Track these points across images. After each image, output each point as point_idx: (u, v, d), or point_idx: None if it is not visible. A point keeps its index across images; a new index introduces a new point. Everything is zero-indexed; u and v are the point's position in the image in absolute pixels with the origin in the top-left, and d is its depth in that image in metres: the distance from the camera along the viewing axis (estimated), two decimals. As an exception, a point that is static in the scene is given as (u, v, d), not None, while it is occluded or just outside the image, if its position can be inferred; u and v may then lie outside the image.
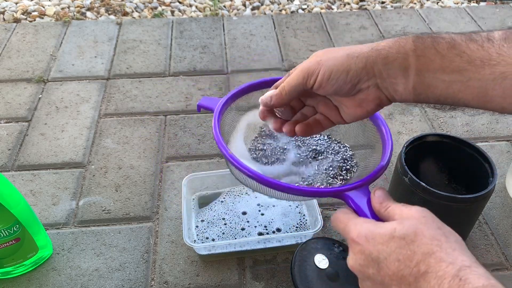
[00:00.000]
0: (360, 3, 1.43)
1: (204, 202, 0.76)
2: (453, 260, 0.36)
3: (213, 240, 0.70)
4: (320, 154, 0.66)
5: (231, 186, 0.77)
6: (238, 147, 0.62)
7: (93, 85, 1.02)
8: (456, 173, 0.71)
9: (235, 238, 0.70)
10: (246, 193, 0.77)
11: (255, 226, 0.72)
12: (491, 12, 1.29)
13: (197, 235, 0.71)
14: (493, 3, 1.39)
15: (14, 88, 1.01)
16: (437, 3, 1.47)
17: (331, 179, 0.63)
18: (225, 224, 0.72)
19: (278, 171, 0.63)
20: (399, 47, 0.44)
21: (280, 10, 1.43)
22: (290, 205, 0.75)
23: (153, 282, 0.67)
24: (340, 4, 1.45)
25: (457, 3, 1.45)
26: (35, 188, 0.80)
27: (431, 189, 0.61)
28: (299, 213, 0.74)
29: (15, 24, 1.22)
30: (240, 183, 0.59)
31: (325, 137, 0.68)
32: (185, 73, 1.07)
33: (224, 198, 0.76)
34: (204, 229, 0.71)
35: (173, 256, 0.70)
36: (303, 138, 0.67)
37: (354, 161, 0.65)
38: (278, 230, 0.72)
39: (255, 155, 0.65)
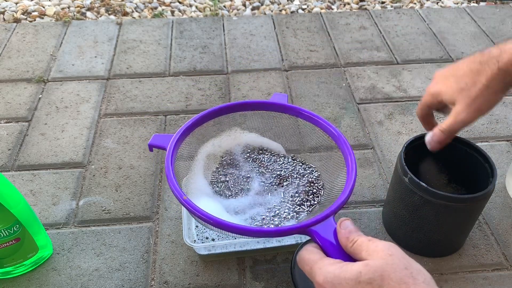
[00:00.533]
0: (360, 3, 1.43)
1: (204, 202, 0.76)
2: None
3: (213, 240, 0.70)
4: (285, 180, 0.64)
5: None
6: (198, 182, 0.60)
7: (93, 85, 1.02)
8: (456, 173, 0.71)
9: (235, 238, 0.70)
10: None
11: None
12: (491, 12, 1.29)
13: (197, 235, 0.71)
14: (493, 3, 1.39)
15: (14, 88, 1.01)
16: (437, 3, 1.47)
17: (298, 207, 0.61)
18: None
19: (243, 204, 0.62)
20: None
21: (280, 10, 1.43)
22: (290, 205, 0.75)
23: (153, 282, 0.67)
24: (340, 4, 1.45)
25: (457, 3, 1.45)
26: (35, 188, 0.80)
27: (431, 189, 0.61)
28: (299, 213, 0.74)
29: (15, 24, 1.22)
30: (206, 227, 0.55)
31: (289, 159, 0.66)
32: (185, 73, 1.07)
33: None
34: (204, 228, 0.71)
35: (173, 256, 0.70)
36: (266, 164, 0.66)
37: (321, 183, 0.63)
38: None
39: (217, 188, 0.63)
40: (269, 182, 0.64)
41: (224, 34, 1.20)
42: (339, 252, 0.45)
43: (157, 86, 1.02)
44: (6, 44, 1.14)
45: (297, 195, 0.62)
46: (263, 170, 0.65)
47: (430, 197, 0.61)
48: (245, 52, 1.13)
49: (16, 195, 0.61)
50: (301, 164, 0.66)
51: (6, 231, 0.61)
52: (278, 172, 0.65)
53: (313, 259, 0.44)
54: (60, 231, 0.73)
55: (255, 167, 0.65)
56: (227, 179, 0.64)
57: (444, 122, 0.59)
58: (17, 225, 0.61)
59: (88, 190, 0.79)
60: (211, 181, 0.64)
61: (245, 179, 0.64)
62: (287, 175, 0.65)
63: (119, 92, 1.01)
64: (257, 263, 0.69)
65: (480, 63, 0.54)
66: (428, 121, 0.65)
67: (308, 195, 0.62)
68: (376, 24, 1.24)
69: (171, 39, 1.17)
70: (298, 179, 0.64)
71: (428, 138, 0.63)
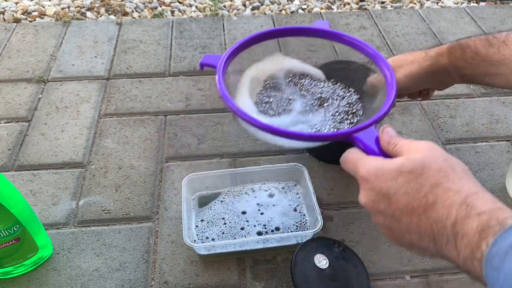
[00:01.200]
0: (360, 3, 1.43)
1: (204, 202, 0.76)
2: (460, 189, 0.38)
3: (213, 239, 0.70)
4: (325, 101, 0.67)
5: (231, 186, 0.78)
6: (244, 102, 0.63)
7: (93, 85, 1.02)
8: None
9: (235, 238, 0.70)
10: (246, 193, 0.77)
11: (254, 226, 0.72)
12: (491, 12, 1.29)
13: (197, 234, 0.71)
14: (493, 3, 1.39)
15: (14, 88, 1.01)
16: (437, 3, 1.47)
17: (338, 124, 0.64)
18: (224, 223, 0.72)
19: (286, 122, 0.64)
20: (438, 65, 0.64)
21: (280, 10, 1.43)
22: (290, 205, 0.75)
23: (153, 282, 0.67)
24: (340, 4, 1.45)
25: (457, 3, 1.45)
26: (35, 188, 0.80)
27: None
28: (299, 212, 0.74)
29: (15, 24, 1.22)
30: (253, 137, 0.62)
31: (329, 84, 0.69)
32: (185, 73, 1.07)
33: (223, 198, 0.76)
34: (204, 228, 0.71)
35: (173, 256, 0.70)
36: (307, 87, 0.69)
37: (360, 105, 0.67)
38: (277, 229, 0.72)
39: (261, 108, 0.66)
40: (310, 103, 0.66)
41: (224, 34, 1.20)
42: (381, 155, 0.48)
43: (157, 86, 1.02)
44: (6, 44, 1.14)
45: (337, 114, 0.65)
46: (305, 93, 0.68)
47: None
48: (245, 52, 1.13)
49: (16, 195, 0.61)
50: (341, 88, 0.69)
51: (6, 231, 0.61)
52: (319, 95, 0.68)
53: (356, 157, 0.47)
54: (60, 231, 0.73)
55: (296, 90, 0.68)
56: (271, 100, 0.66)
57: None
58: (17, 225, 0.61)
59: (88, 190, 0.79)
60: (256, 102, 0.66)
61: (287, 101, 0.66)
62: (327, 97, 0.67)
63: (119, 92, 1.01)
64: (257, 263, 0.69)
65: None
66: None
67: (348, 115, 0.65)
68: (376, 24, 1.24)
69: (171, 39, 1.17)
70: (338, 100, 0.67)
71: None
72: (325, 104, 0.67)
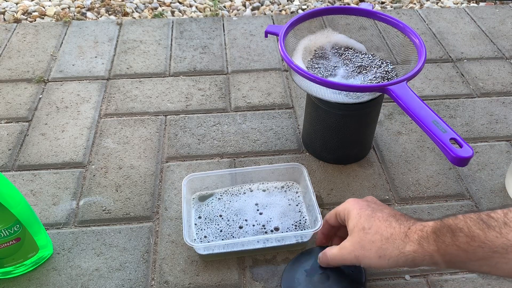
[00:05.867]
0: (360, 4, 1.43)
1: (204, 202, 0.76)
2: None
3: (206, 237, 0.70)
4: (364, 69, 0.78)
5: (231, 185, 0.78)
6: (299, 65, 0.73)
7: (93, 85, 1.03)
8: None
9: (233, 237, 0.70)
10: (244, 192, 0.77)
11: (253, 225, 0.72)
12: (490, 12, 1.29)
13: (197, 233, 0.71)
14: (493, 3, 1.39)
15: (14, 88, 1.01)
16: (437, 3, 1.47)
17: None
18: (223, 221, 0.72)
19: None
20: (423, 251, 0.49)
21: (280, 11, 1.43)
22: (289, 204, 0.75)
23: (153, 282, 0.67)
24: (340, 5, 1.45)
25: (457, 3, 1.46)
26: (35, 188, 0.80)
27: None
28: (299, 212, 0.74)
29: (15, 24, 1.23)
30: (302, 89, 0.75)
31: (369, 55, 0.82)
32: (185, 73, 1.07)
33: (221, 196, 0.76)
34: (204, 229, 0.71)
35: (173, 256, 0.70)
36: (350, 57, 0.81)
37: (395, 73, 0.78)
38: (276, 229, 0.72)
39: (312, 72, 0.77)
40: (351, 70, 0.78)
41: (224, 34, 1.20)
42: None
43: (157, 86, 1.02)
44: (6, 44, 1.14)
45: (374, 79, 0.76)
46: (347, 62, 0.80)
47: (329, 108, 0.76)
48: (245, 52, 1.13)
49: (17, 195, 0.62)
50: (379, 59, 0.81)
51: (6, 231, 0.61)
52: (359, 64, 0.79)
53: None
54: (60, 231, 0.73)
55: (341, 60, 0.80)
56: (319, 66, 0.79)
57: (331, 249, 0.60)
58: (18, 225, 0.62)
59: (88, 190, 0.80)
60: (307, 67, 0.78)
61: (333, 67, 0.78)
62: (367, 65, 0.79)
63: (119, 92, 1.01)
64: (257, 263, 0.69)
65: (389, 236, 0.53)
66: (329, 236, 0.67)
67: (383, 80, 0.76)
68: (376, 24, 1.24)
69: (171, 39, 1.18)
70: (376, 68, 0.78)
71: (319, 255, 0.63)
72: (364, 71, 0.78)
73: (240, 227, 0.72)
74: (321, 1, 1.47)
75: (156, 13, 1.38)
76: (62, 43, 1.15)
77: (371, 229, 0.54)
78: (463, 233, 0.46)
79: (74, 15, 1.35)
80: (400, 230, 0.52)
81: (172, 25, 1.23)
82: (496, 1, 1.41)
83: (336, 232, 0.66)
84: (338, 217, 0.61)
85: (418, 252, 0.50)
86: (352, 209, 0.58)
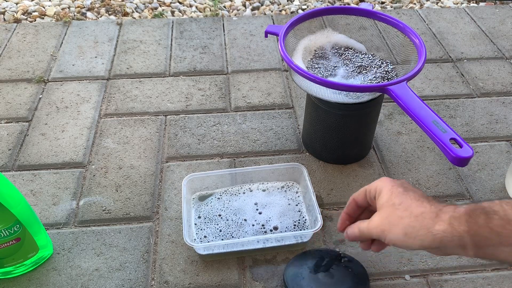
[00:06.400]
0: (360, 4, 1.43)
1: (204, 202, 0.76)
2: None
3: (212, 240, 0.70)
4: (364, 69, 0.78)
5: (231, 185, 0.78)
6: (299, 65, 0.73)
7: (93, 85, 1.03)
8: None
9: (233, 237, 0.70)
10: (243, 192, 0.77)
11: (252, 225, 0.72)
12: (490, 12, 1.29)
13: (197, 233, 0.71)
14: (493, 3, 1.39)
15: (14, 88, 1.01)
16: (437, 3, 1.47)
17: None
18: (222, 221, 0.72)
19: None
20: (453, 231, 0.46)
21: (280, 11, 1.43)
22: (289, 204, 0.75)
23: (153, 282, 0.67)
24: (340, 5, 1.45)
25: (457, 4, 1.46)
26: (35, 188, 0.80)
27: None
28: (298, 211, 0.74)
29: (15, 24, 1.23)
30: (302, 89, 0.75)
31: (369, 55, 0.81)
32: (185, 73, 1.07)
33: (220, 196, 0.76)
34: (201, 225, 0.71)
35: (173, 256, 0.70)
36: (350, 57, 0.81)
37: (395, 73, 0.78)
38: (275, 228, 0.72)
39: (312, 72, 0.77)
40: (351, 70, 0.78)
41: (224, 34, 1.20)
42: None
43: (157, 86, 1.02)
44: (6, 44, 1.14)
45: (374, 79, 0.76)
46: (347, 62, 0.80)
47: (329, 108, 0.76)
48: (245, 52, 1.13)
49: (17, 195, 0.62)
50: (379, 59, 0.81)
51: (6, 231, 0.61)
52: (359, 64, 0.79)
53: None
54: (60, 231, 0.73)
55: (341, 60, 0.80)
56: (319, 66, 0.79)
57: (362, 223, 0.57)
58: (18, 225, 0.62)
59: (88, 190, 0.80)
60: (307, 67, 0.78)
61: (333, 68, 0.79)
62: (366, 65, 0.79)
63: (119, 92, 1.01)
64: (257, 263, 0.69)
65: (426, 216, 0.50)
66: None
67: (383, 80, 0.76)
68: (376, 24, 1.24)
69: (171, 39, 1.18)
70: (376, 68, 0.78)
71: (347, 229, 0.61)
72: (364, 71, 0.78)
73: (240, 227, 0.72)
74: (321, 1, 1.47)
75: (156, 13, 1.38)
76: (62, 43, 1.15)
77: (401, 205, 0.51)
78: (498, 216, 0.44)
79: (74, 15, 1.35)
80: (431, 209, 0.49)
81: (172, 25, 1.23)
82: (496, 1, 1.41)
83: (360, 215, 0.62)
84: (368, 194, 0.57)
85: (447, 231, 0.47)
86: (384, 186, 0.55)
